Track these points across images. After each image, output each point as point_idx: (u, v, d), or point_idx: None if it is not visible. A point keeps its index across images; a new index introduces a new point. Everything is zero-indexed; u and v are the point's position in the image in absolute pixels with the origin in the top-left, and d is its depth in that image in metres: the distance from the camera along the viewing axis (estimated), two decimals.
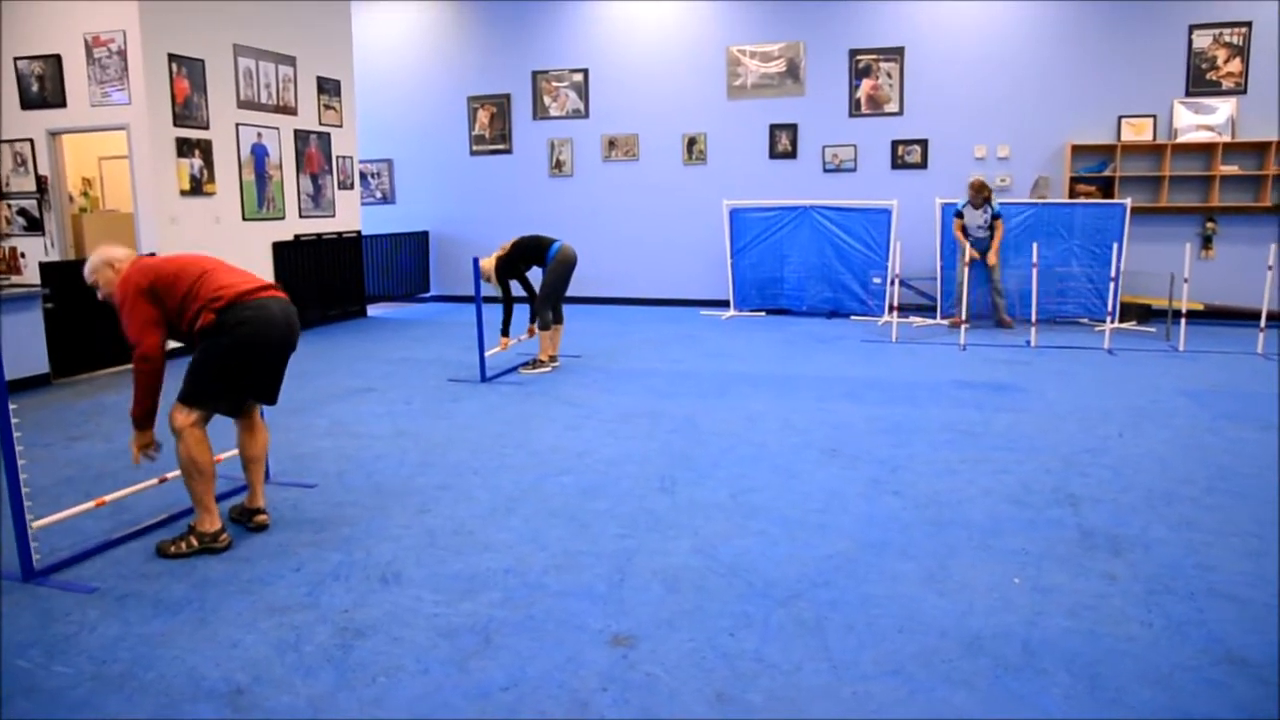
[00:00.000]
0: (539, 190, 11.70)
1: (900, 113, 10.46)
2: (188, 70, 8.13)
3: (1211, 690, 2.58)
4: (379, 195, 12.48)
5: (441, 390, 6.54)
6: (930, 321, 9.55)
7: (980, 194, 8.91)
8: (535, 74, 11.57)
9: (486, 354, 6.90)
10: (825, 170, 10.69)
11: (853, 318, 10.06)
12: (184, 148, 8.14)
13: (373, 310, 11.34)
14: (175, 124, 8.07)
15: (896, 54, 10.38)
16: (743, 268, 10.52)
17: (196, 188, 8.32)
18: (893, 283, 9.05)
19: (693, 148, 11.12)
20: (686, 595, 3.18)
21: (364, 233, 11.04)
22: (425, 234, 12.24)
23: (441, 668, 2.72)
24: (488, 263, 7.17)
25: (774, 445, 5.05)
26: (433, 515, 4.01)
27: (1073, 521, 3.85)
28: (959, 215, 9.08)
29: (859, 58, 10.49)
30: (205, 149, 8.37)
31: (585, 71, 11.35)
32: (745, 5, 10.73)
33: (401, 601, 3.16)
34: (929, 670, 2.68)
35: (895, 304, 8.89)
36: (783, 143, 10.79)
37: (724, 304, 10.80)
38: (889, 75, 10.45)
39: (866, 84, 10.53)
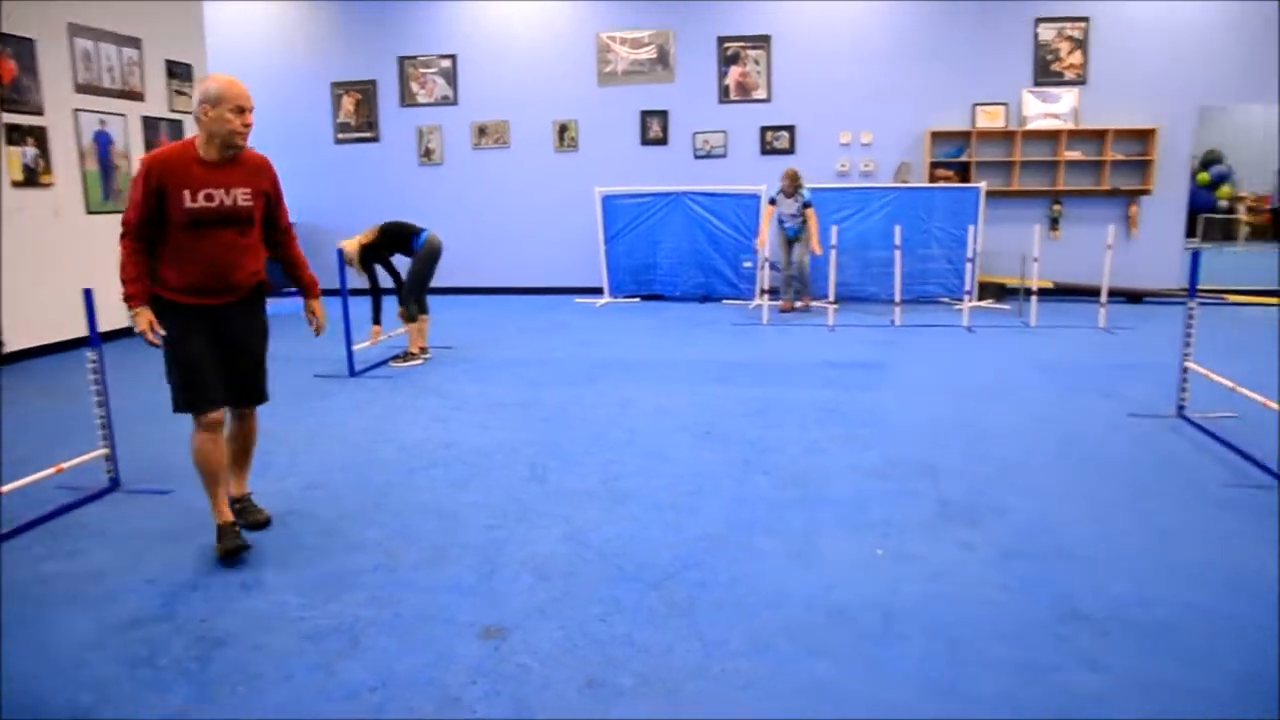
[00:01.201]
0: (408, 179, 11.43)
1: (768, 100, 10.65)
2: (14, 50, 7.58)
3: (1057, 644, 2.72)
4: None
5: (308, 387, 6.32)
6: (801, 304, 9.77)
7: (794, 183, 9.07)
8: (402, 60, 11.28)
9: (356, 347, 6.71)
10: (696, 156, 10.80)
11: (725, 302, 10.21)
12: (14, 135, 7.59)
13: None
14: (2, 108, 7.52)
15: (764, 42, 10.55)
16: (616, 254, 10.54)
17: (31, 179, 7.78)
18: (763, 267, 9.21)
19: (564, 135, 11.05)
20: (558, 583, 3.16)
21: None
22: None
23: (306, 672, 2.63)
24: (350, 245, 6.95)
25: (646, 430, 5.07)
26: (298, 516, 3.86)
27: (932, 493, 4.00)
28: (772, 203, 9.22)
29: (728, 45, 10.62)
30: (40, 136, 7.83)
31: (454, 58, 11.13)
32: None
33: (263, 607, 3.03)
34: (795, 643, 2.74)
35: (766, 287, 9.05)
36: (654, 129, 10.84)
37: (598, 291, 10.80)
38: (757, 63, 10.62)
39: (735, 71, 10.67)
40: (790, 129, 10.61)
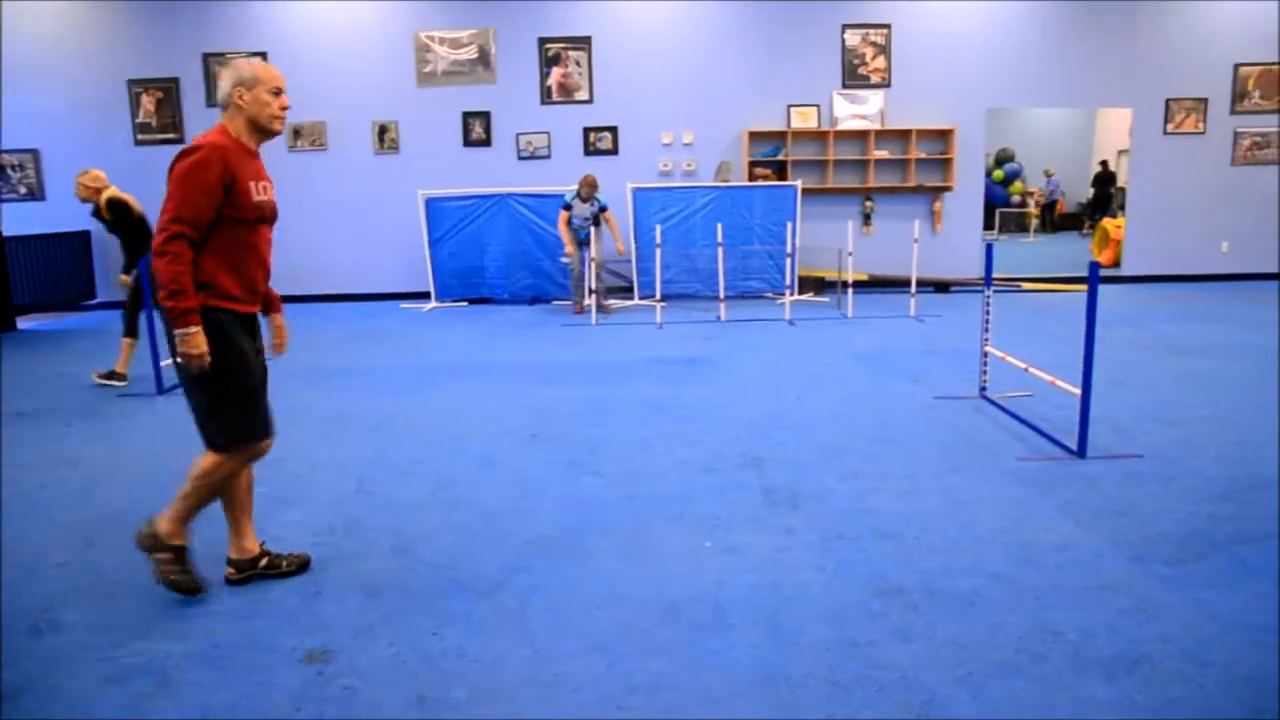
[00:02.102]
0: None
1: (591, 100, 10.71)
2: None
3: (872, 619, 2.86)
4: (24, 190, 11.04)
5: (110, 408, 5.89)
6: (629, 303, 9.88)
7: (593, 189, 9.19)
8: (207, 56, 10.68)
9: (163, 364, 6.31)
10: (520, 158, 10.74)
11: (555, 303, 10.21)
12: None
13: (24, 323, 10.02)
14: None
15: (585, 43, 10.60)
16: (442, 258, 10.35)
17: None
18: (591, 267, 9.26)
19: (384, 136, 10.77)
20: (387, 599, 3.08)
21: (5, 233, 9.71)
22: (86, 234, 10.97)
23: (111, 715, 2.45)
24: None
25: (475, 436, 5.01)
26: (98, 549, 3.59)
27: (757, 483, 4.13)
28: (568, 208, 9.26)
29: (549, 46, 10.61)
30: None
31: (263, 55, 10.63)
32: None
33: (61, 649, 2.81)
34: (627, 642, 2.77)
35: (594, 287, 9.11)
36: (477, 130, 10.71)
37: (425, 296, 10.58)
38: (578, 64, 10.66)
39: (557, 72, 10.67)
40: (613, 130, 10.72)
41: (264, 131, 3.09)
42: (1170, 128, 11.21)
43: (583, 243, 9.46)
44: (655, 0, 10.52)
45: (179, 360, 2.90)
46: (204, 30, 10.62)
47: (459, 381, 6.37)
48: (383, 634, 2.84)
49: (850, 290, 9.01)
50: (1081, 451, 4.43)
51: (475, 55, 10.60)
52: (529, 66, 10.62)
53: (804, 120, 10.74)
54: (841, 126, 10.71)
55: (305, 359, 7.32)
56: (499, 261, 10.35)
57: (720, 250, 8.78)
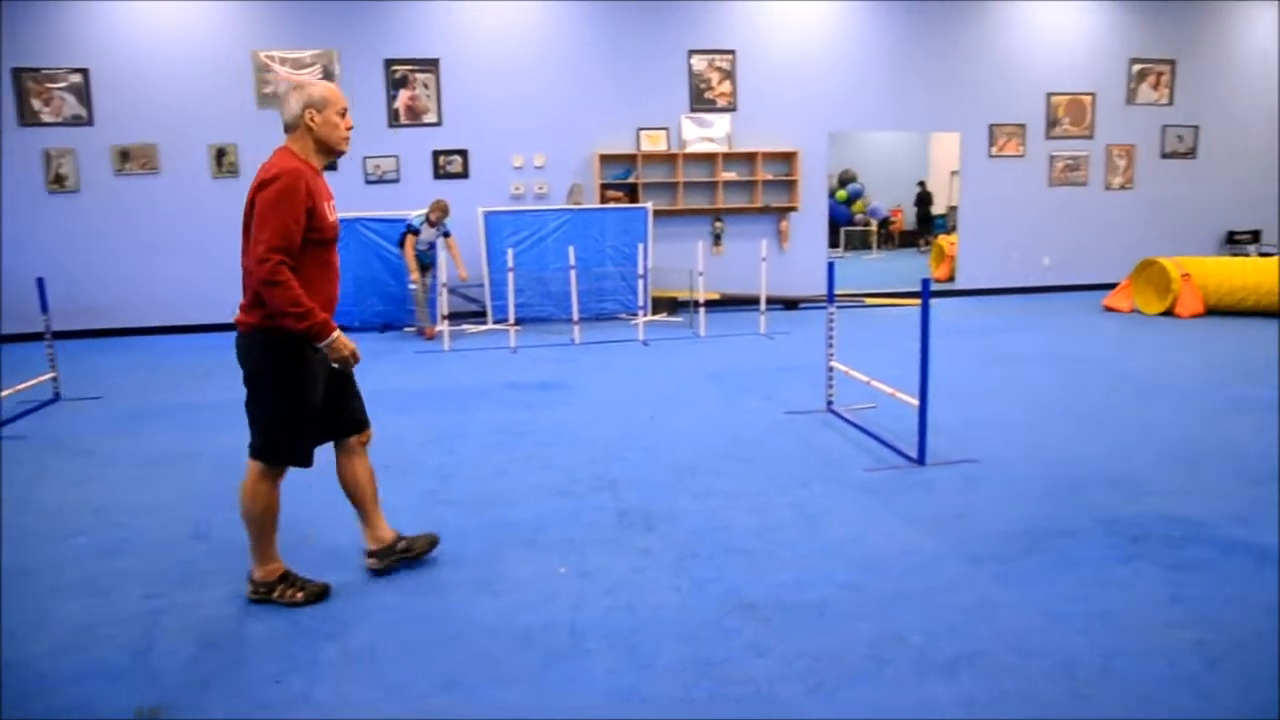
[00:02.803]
0: (35, 208, 10.09)
1: (440, 123, 10.58)
2: None
3: (727, 636, 2.90)
4: None
5: None
6: (483, 328, 9.78)
7: (443, 214, 9.17)
8: (19, 72, 9.97)
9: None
10: (368, 181, 10.49)
11: (406, 329, 9.98)
12: None
13: None
14: None
15: (432, 65, 10.47)
16: None
17: None
18: (442, 292, 9.11)
19: (223, 159, 10.31)
20: (224, 649, 2.92)
21: None
22: None
23: None
24: None
25: (322, 470, 4.80)
26: None
27: (612, 505, 4.14)
28: (415, 232, 9.19)
29: (395, 68, 10.42)
30: None
31: (85, 71, 10.02)
32: (271, 7, 10.16)
33: None
34: (484, 674, 2.71)
35: (446, 312, 8.97)
36: None
37: None
38: (426, 86, 10.52)
39: (404, 94, 10.50)
40: (463, 153, 10.61)
41: (331, 153, 3.12)
42: (994, 151, 11.96)
43: (427, 267, 9.34)
44: (504, 23, 10.50)
45: (335, 365, 3.09)
46: (18, 43, 9.92)
47: None
48: (219, 685, 2.69)
49: (702, 309, 9.19)
50: (921, 459, 4.64)
51: (319, 76, 10.30)
52: (375, 88, 10.40)
53: (654, 143, 10.91)
54: (690, 149, 10.94)
55: (139, 397, 6.91)
56: (348, 288, 10.03)
57: (573, 273, 8.80)
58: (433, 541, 3.53)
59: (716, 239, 11.17)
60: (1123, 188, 12.52)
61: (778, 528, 3.83)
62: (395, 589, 3.31)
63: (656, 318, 10.05)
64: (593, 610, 3.11)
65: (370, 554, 3.42)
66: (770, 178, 11.09)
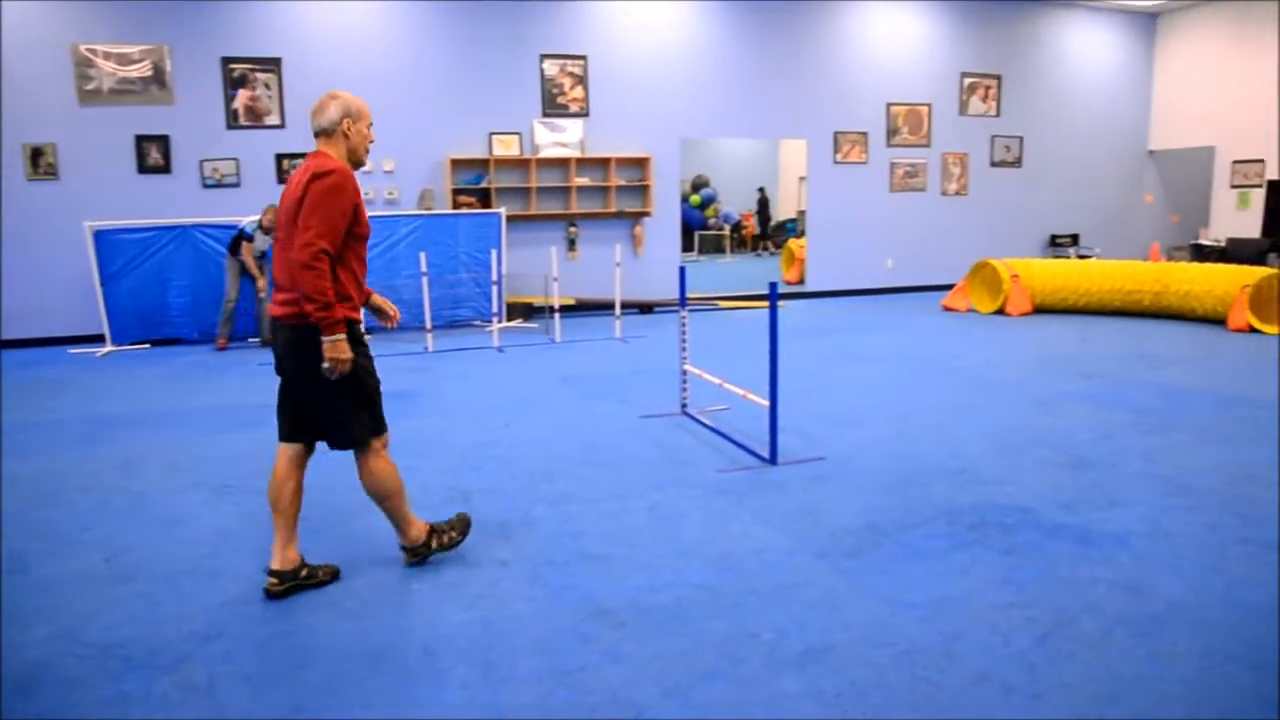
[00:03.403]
0: None
1: (283, 125, 10.18)
2: None
3: (584, 643, 2.89)
4: None
5: None
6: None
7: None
8: None
9: None
10: (205, 185, 9.99)
11: (250, 340, 9.54)
12: None
13: None
14: None
15: (274, 65, 10.07)
16: (118, 296, 9.35)
17: None
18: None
19: (39, 160, 9.60)
20: (47, 693, 2.70)
21: None
22: None
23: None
24: None
25: (157, 492, 4.55)
26: None
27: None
28: (249, 239, 8.91)
29: (234, 67, 9.97)
30: None
31: None
32: None
33: None
34: (331, 700, 2.61)
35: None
36: (153, 156, 9.84)
37: (99, 339, 9.51)
38: (268, 86, 10.10)
39: (244, 94, 10.05)
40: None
41: (357, 162, 3.34)
42: (839, 157, 12.42)
43: (257, 277, 8.98)
44: (349, 23, 10.19)
45: (325, 366, 3.13)
46: None
47: (139, 432, 5.77)
48: None
49: (557, 315, 9.17)
50: (773, 459, 4.75)
51: (149, 73, 9.74)
52: (212, 87, 9.92)
53: (506, 148, 10.82)
54: (543, 154, 10.91)
55: None
56: (185, 298, 9.53)
57: (425, 279, 8.62)
58: (334, 573, 3.43)
59: (571, 244, 11.17)
60: (957, 194, 13.22)
61: (633, 532, 3.85)
62: (239, 617, 3.15)
63: (511, 324, 9.97)
64: (448, 626, 3.04)
65: (271, 573, 3.28)
66: (624, 183, 11.17)
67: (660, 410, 5.96)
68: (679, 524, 3.94)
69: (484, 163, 10.67)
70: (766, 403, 4.76)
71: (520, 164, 10.85)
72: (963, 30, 12.88)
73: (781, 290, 12.20)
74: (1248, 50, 12.79)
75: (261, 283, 8.91)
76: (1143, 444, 5.09)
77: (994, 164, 13.41)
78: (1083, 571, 3.39)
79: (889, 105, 12.58)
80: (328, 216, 3.08)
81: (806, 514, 4.04)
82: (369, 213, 9.89)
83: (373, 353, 3.50)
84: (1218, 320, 9.40)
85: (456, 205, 10.48)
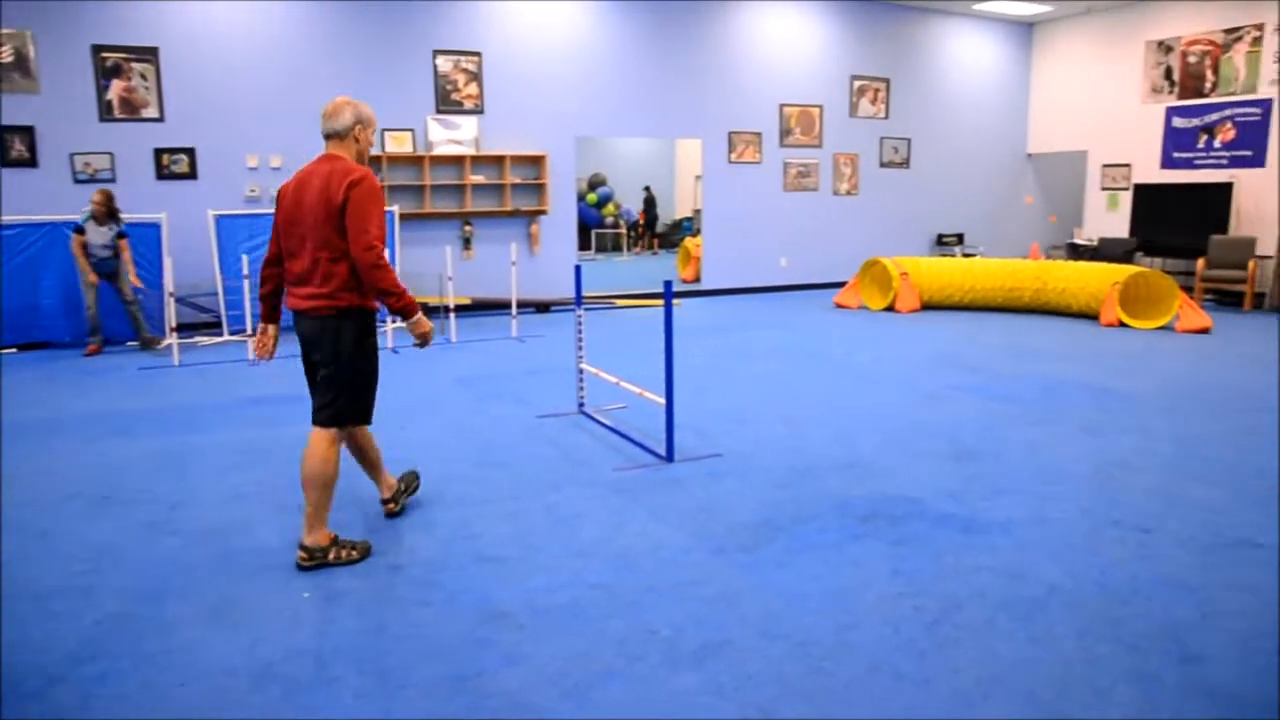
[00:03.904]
0: None
1: (161, 119, 9.75)
2: None
3: (481, 648, 2.85)
4: None
5: None
6: (217, 340, 9.11)
7: (105, 207, 8.42)
8: None
9: None
10: (77, 180, 9.47)
11: (128, 344, 9.09)
12: None
13: None
14: None
15: (151, 55, 9.62)
16: None
17: None
18: (169, 302, 8.39)
19: None
20: None
21: None
22: None
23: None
24: None
25: (27, 506, 4.29)
26: None
27: (360, 522, 3.97)
28: (80, 231, 8.43)
29: (106, 55, 9.49)
30: None
31: None
32: None
33: None
34: (220, 714, 2.51)
35: (175, 324, 8.29)
36: (17, 148, 9.28)
37: None
38: (144, 77, 9.65)
39: (118, 85, 9.58)
40: (190, 151, 9.83)
41: (360, 165, 3.55)
42: (734, 157, 12.58)
43: (108, 275, 8.52)
44: (231, 13, 9.82)
45: (415, 343, 3.59)
46: None
47: (8, 441, 5.45)
48: None
49: (453, 315, 9.04)
50: (670, 456, 4.78)
51: (10, 59, 9.19)
52: (82, 77, 9.42)
53: (399, 145, 10.61)
54: (437, 151, 10.73)
55: None
56: (56, 300, 9.02)
57: None
58: (367, 549, 3.62)
59: (466, 243, 11.03)
60: (848, 194, 13.55)
61: (530, 533, 3.82)
62: (115, 635, 3.00)
63: (405, 325, 9.77)
64: (340, 634, 2.96)
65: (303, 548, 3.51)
66: (519, 181, 11.08)
67: (557, 410, 5.93)
68: (576, 524, 3.93)
69: (376, 159, 10.43)
70: (663, 401, 4.79)
71: (414, 161, 10.66)
72: (852, 34, 13.21)
73: (678, 289, 12.33)
74: (1114, 59, 13.47)
75: (92, 278, 8.39)
76: (1024, 435, 5.31)
77: (883, 165, 13.79)
78: (968, 559, 3.52)
79: (782, 106, 12.81)
80: (379, 219, 3.41)
81: (703, 511, 4.08)
82: (258, 211, 9.63)
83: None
84: (1091, 316, 9.88)
85: None
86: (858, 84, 13.38)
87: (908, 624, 3.00)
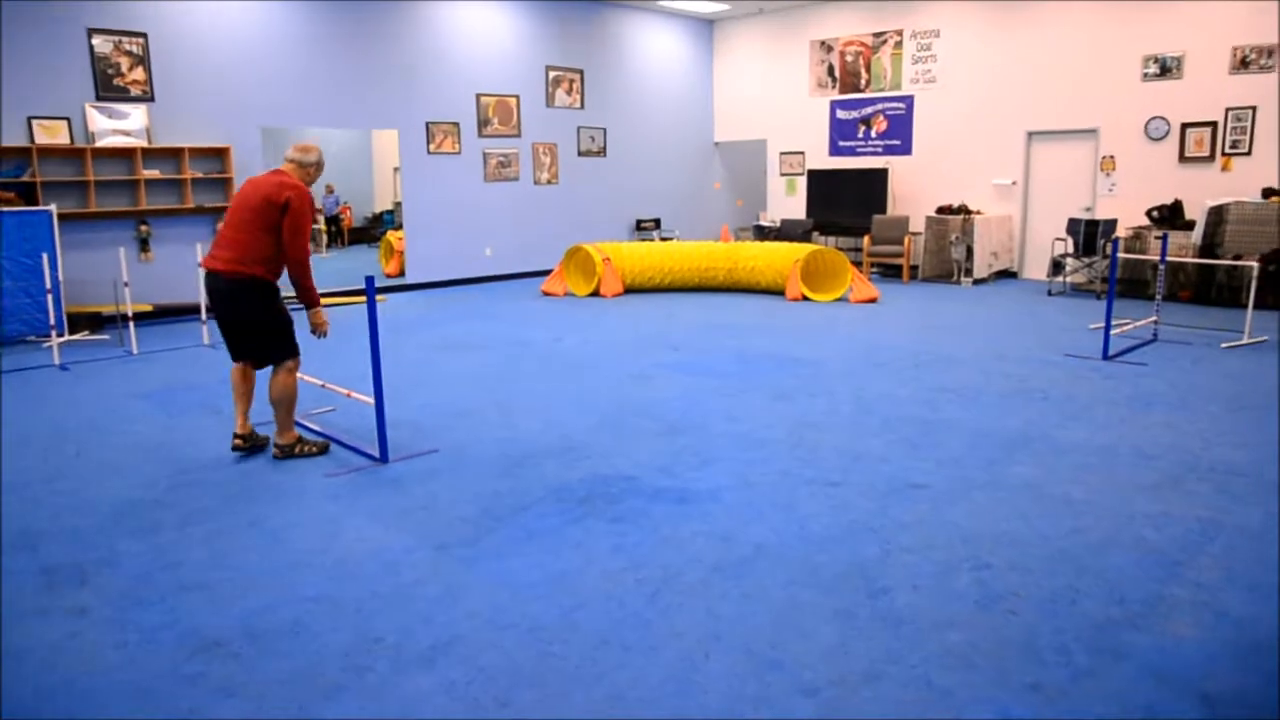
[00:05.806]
0: None
1: None
2: None
3: (190, 684, 2.64)
4: None
5: None
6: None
7: None
8: None
9: None
10: None
11: (30, 339, 7.46)
12: None
13: None
14: None
15: None
16: None
17: None
18: None
19: None
20: None
21: None
22: None
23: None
24: None
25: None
26: None
27: (31, 564, 3.52)
28: None
29: None
30: None
31: None
32: None
33: None
34: None
35: None
36: None
37: None
38: None
39: None
40: None
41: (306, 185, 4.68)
42: (432, 148, 12.36)
43: None
44: None
45: (314, 327, 4.76)
46: None
47: None
48: None
49: (132, 324, 8.22)
50: (384, 457, 4.65)
51: None
52: None
53: (52, 135, 9.44)
54: (101, 143, 9.66)
55: None
56: None
57: None
58: (324, 447, 4.87)
59: (144, 244, 10.04)
60: (549, 182, 13.75)
61: (237, 553, 3.57)
62: None
63: (75, 337, 8.74)
64: (21, 693, 2.62)
65: (238, 436, 4.79)
66: (201, 175, 10.24)
67: (258, 419, 5.55)
68: (287, 536, 3.72)
69: (25, 151, 9.22)
70: (372, 400, 4.65)
71: (73, 154, 9.52)
72: (546, 27, 13.38)
73: (381, 284, 11.95)
74: (784, 56, 14.65)
75: None
76: (725, 405, 5.67)
77: (581, 153, 14.12)
78: (683, 528, 3.72)
79: (479, 96, 12.74)
80: (309, 227, 4.57)
81: (422, 508, 4.01)
82: None
83: None
84: (779, 292, 10.72)
85: None
86: (553, 75, 13.58)
87: (631, 597, 3.12)
